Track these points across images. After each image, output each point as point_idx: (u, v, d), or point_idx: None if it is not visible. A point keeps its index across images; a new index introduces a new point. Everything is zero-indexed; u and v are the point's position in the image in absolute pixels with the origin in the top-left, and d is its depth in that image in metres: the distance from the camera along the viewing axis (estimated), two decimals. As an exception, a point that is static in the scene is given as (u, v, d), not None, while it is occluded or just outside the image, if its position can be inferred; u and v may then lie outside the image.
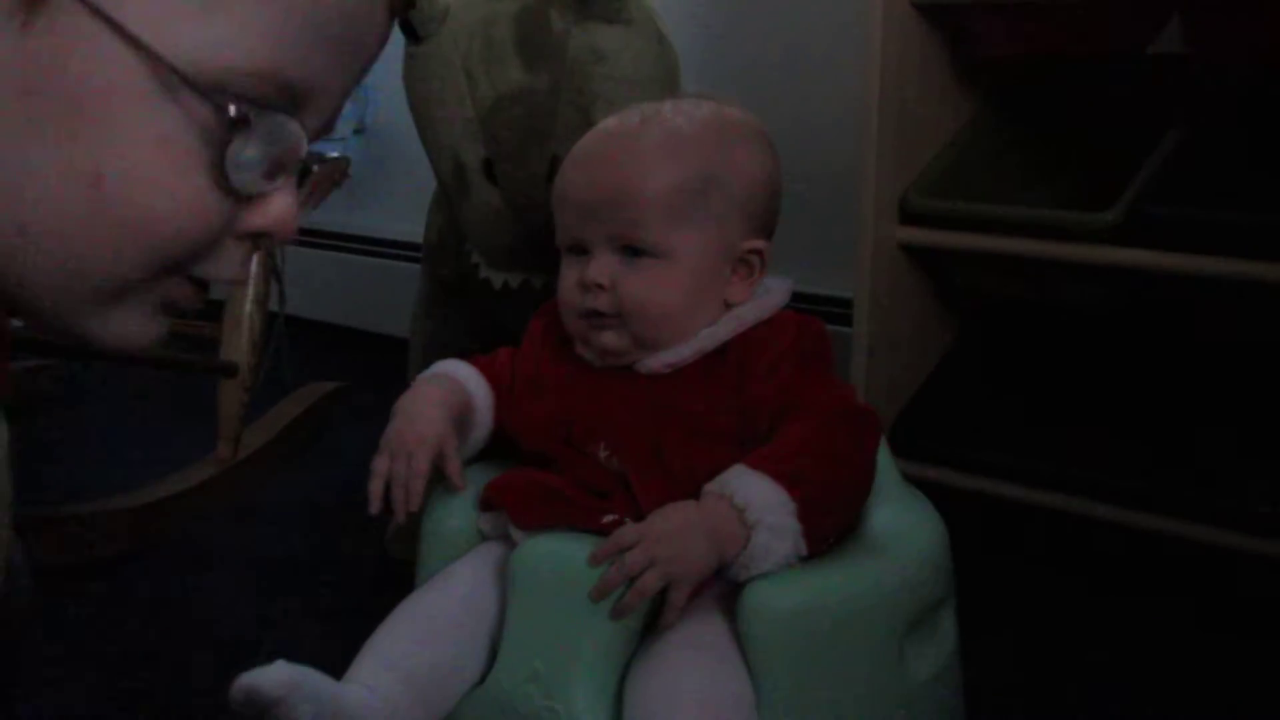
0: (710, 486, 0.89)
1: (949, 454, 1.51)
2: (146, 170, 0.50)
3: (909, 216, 1.55)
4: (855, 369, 1.56)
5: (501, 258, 1.32)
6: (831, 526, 0.93)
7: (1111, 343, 1.57)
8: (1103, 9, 1.50)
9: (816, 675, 0.88)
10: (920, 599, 0.96)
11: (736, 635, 0.88)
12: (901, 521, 0.98)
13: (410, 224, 2.08)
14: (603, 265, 0.99)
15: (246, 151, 0.51)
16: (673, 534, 0.87)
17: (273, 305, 1.81)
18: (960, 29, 1.59)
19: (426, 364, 1.52)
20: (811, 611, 0.89)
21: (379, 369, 2.11)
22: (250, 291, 1.75)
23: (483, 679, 0.92)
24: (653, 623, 0.89)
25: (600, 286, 0.98)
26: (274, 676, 0.83)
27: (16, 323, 1.51)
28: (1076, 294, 1.57)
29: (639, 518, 0.91)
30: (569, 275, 1.02)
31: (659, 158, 1.00)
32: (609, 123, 1.06)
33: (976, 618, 1.09)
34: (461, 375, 1.05)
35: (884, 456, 1.02)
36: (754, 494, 0.87)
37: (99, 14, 0.46)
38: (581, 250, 1.01)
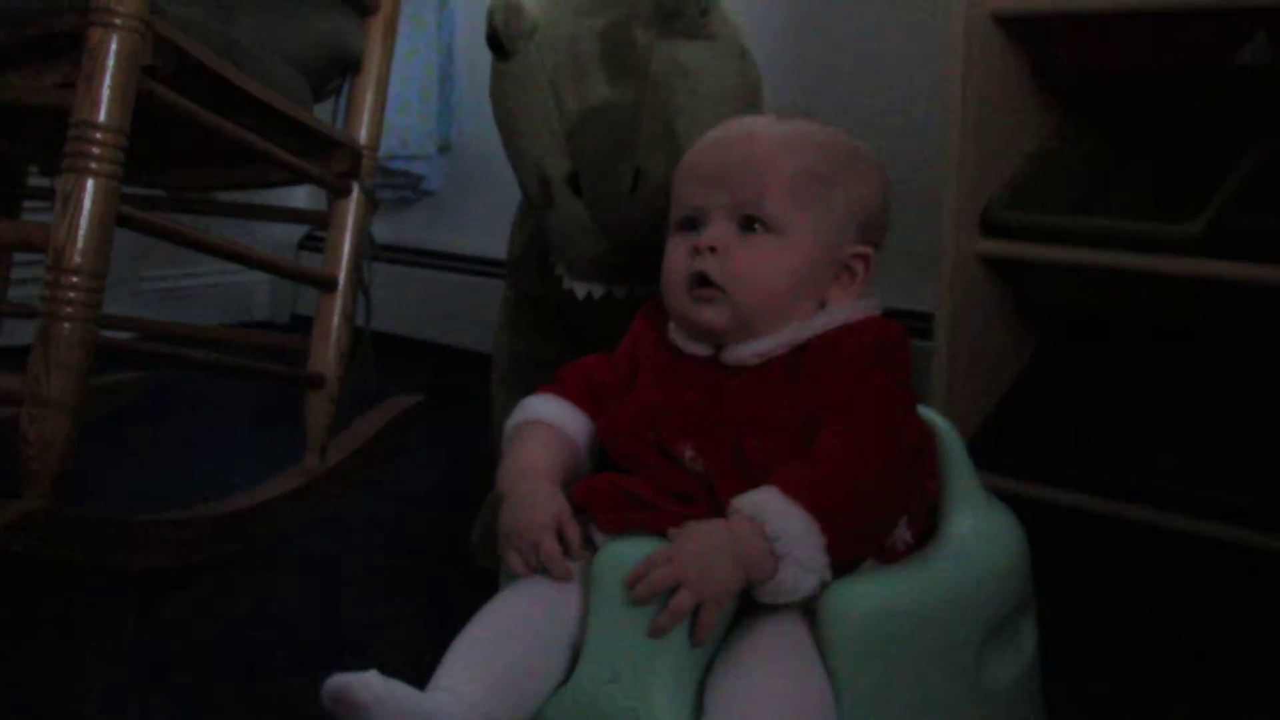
0: (741, 506, 0.89)
1: (1029, 466, 1.50)
2: None
3: (990, 229, 1.55)
4: (935, 381, 1.56)
5: (585, 269, 1.33)
6: (859, 551, 0.93)
7: (1193, 356, 1.56)
8: (1187, 22, 1.49)
9: (895, 679, 0.89)
10: (999, 606, 0.96)
11: (816, 638, 0.89)
12: (982, 528, 0.99)
13: (493, 239, 2.11)
14: (718, 231, 1.01)
15: None
16: (702, 556, 0.88)
17: (359, 320, 1.85)
18: (1041, 41, 1.59)
19: (510, 377, 1.55)
20: (891, 615, 0.89)
21: (461, 382, 2.15)
22: (338, 305, 1.79)
23: (564, 681, 0.94)
24: (734, 625, 0.90)
25: (712, 250, 1.00)
26: (367, 684, 0.85)
27: (110, 334, 1.55)
28: (1158, 307, 1.56)
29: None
30: (678, 246, 1.04)
31: (793, 144, 1.03)
32: (742, 118, 1.10)
33: (1056, 629, 1.09)
34: (557, 419, 1.05)
35: (965, 464, 1.03)
36: (785, 526, 0.87)
37: None
38: (693, 225, 1.03)
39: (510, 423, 1.07)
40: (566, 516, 0.97)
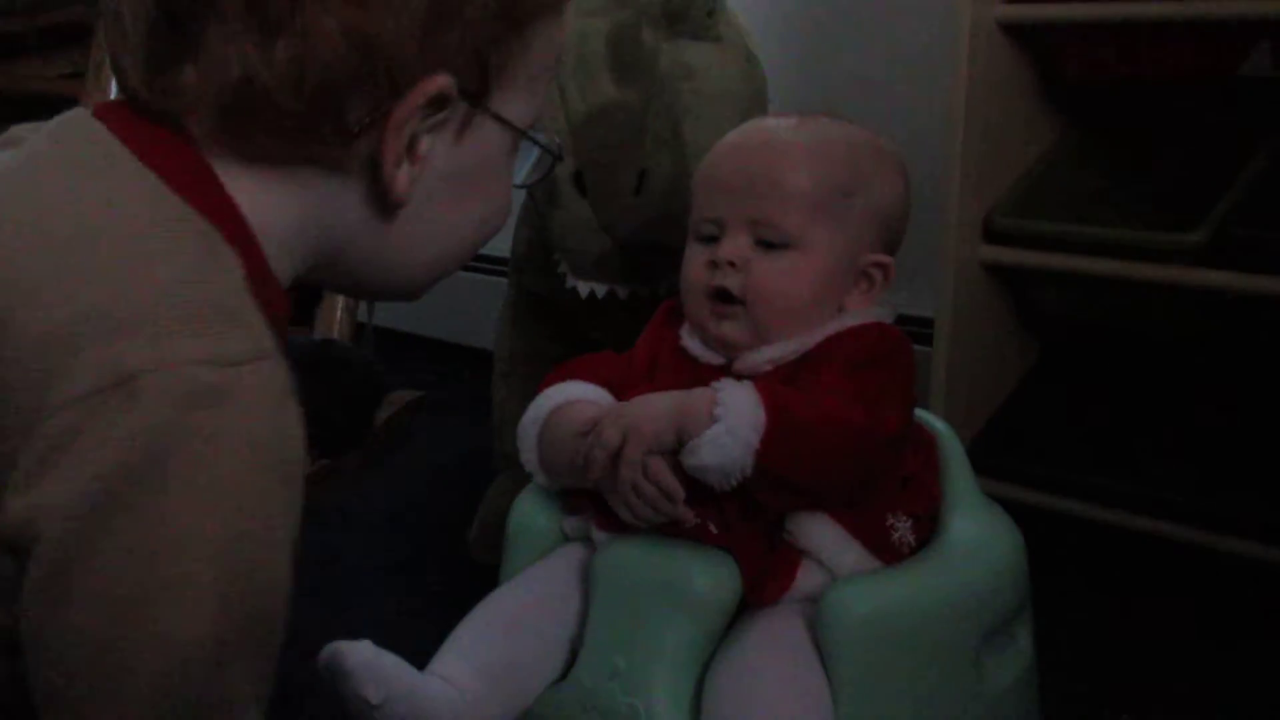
0: (716, 384, 0.92)
1: (1027, 472, 1.51)
2: (503, 198, 0.75)
3: (993, 236, 1.56)
4: (935, 387, 1.56)
5: (589, 267, 1.34)
6: (786, 482, 0.90)
7: (1194, 365, 1.57)
8: (1190, 32, 1.49)
9: (893, 680, 0.89)
10: (997, 609, 0.96)
11: (814, 640, 0.89)
12: (980, 532, 0.99)
13: (496, 237, 2.11)
14: (737, 246, 1.01)
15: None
16: (645, 402, 0.93)
17: (361, 315, 1.85)
18: (1046, 50, 1.60)
19: (512, 374, 1.55)
20: (888, 617, 0.90)
21: (462, 379, 2.15)
22: (340, 300, 1.79)
23: (562, 677, 0.94)
24: (733, 623, 0.91)
25: (732, 265, 1.00)
26: (357, 651, 0.86)
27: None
28: (1160, 315, 1.56)
29: (722, 521, 0.92)
30: (697, 257, 1.03)
31: (812, 153, 1.02)
32: (765, 119, 1.10)
33: (1051, 633, 1.10)
34: (592, 396, 1.03)
35: (964, 468, 1.03)
36: (735, 397, 0.89)
37: (500, 120, 0.69)
38: (712, 237, 1.03)
39: (539, 411, 1.03)
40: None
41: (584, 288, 1.36)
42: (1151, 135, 1.60)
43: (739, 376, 0.99)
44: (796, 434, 0.89)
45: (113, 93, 1.33)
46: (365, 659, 0.87)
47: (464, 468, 1.88)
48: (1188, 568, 1.51)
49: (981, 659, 0.94)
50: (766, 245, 1.00)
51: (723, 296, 1.00)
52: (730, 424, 0.88)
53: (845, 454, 0.91)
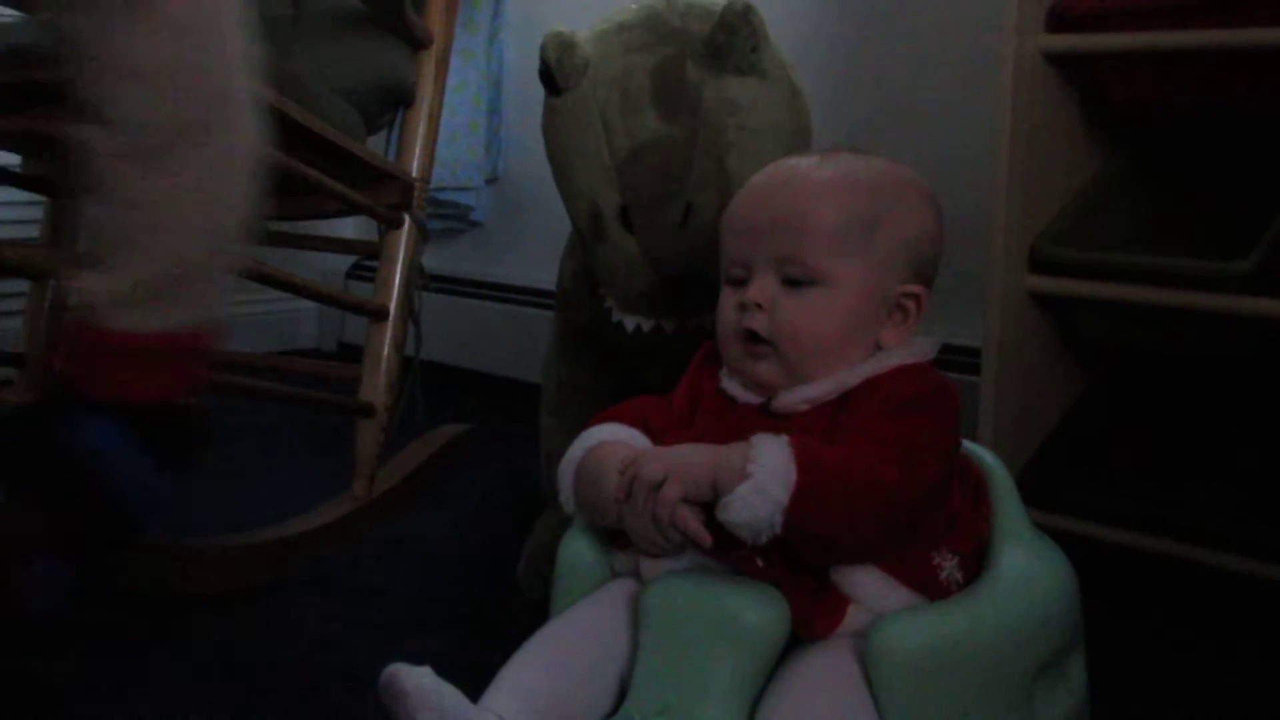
0: (752, 438, 0.92)
1: (1077, 502, 1.50)
2: None
3: (1039, 265, 1.55)
4: (983, 417, 1.56)
5: (635, 302, 1.34)
6: (816, 529, 0.90)
7: (1243, 393, 1.55)
8: (1239, 60, 1.49)
9: (943, 715, 0.89)
10: (1049, 643, 0.96)
11: (864, 674, 0.89)
12: (1032, 565, 0.99)
13: (541, 271, 2.12)
14: (764, 287, 1.01)
15: None
16: (687, 450, 0.94)
17: (409, 349, 1.87)
18: (1091, 78, 1.59)
19: (559, 407, 1.56)
20: (939, 651, 0.89)
21: (510, 412, 2.16)
22: (389, 335, 1.81)
23: (612, 714, 0.94)
24: (784, 657, 0.91)
25: (759, 306, 1.00)
26: (416, 675, 0.88)
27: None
28: (1207, 344, 1.55)
29: (768, 556, 0.92)
30: (728, 301, 1.04)
31: (834, 190, 1.03)
32: (786, 159, 1.09)
33: (1105, 667, 1.09)
34: (625, 438, 1.04)
35: (1013, 500, 1.03)
36: (768, 455, 0.89)
37: None
38: (742, 281, 1.04)
39: (576, 451, 1.04)
40: None
41: (630, 322, 1.36)
42: (1197, 163, 1.59)
43: (776, 415, 0.99)
44: (827, 492, 0.89)
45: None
46: (423, 684, 0.87)
47: (512, 502, 1.88)
48: (1245, 598, 1.49)
49: (1033, 694, 0.94)
50: (793, 284, 1.01)
51: (753, 338, 1.01)
52: (760, 481, 0.89)
53: (877, 512, 0.91)
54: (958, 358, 1.68)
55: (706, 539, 0.92)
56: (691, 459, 0.93)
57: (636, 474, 0.94)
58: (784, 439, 0.91)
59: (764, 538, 0.89)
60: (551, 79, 1.35)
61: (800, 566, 0.93)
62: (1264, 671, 1.36)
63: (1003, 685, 0.92)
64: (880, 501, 0.90)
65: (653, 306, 1.34)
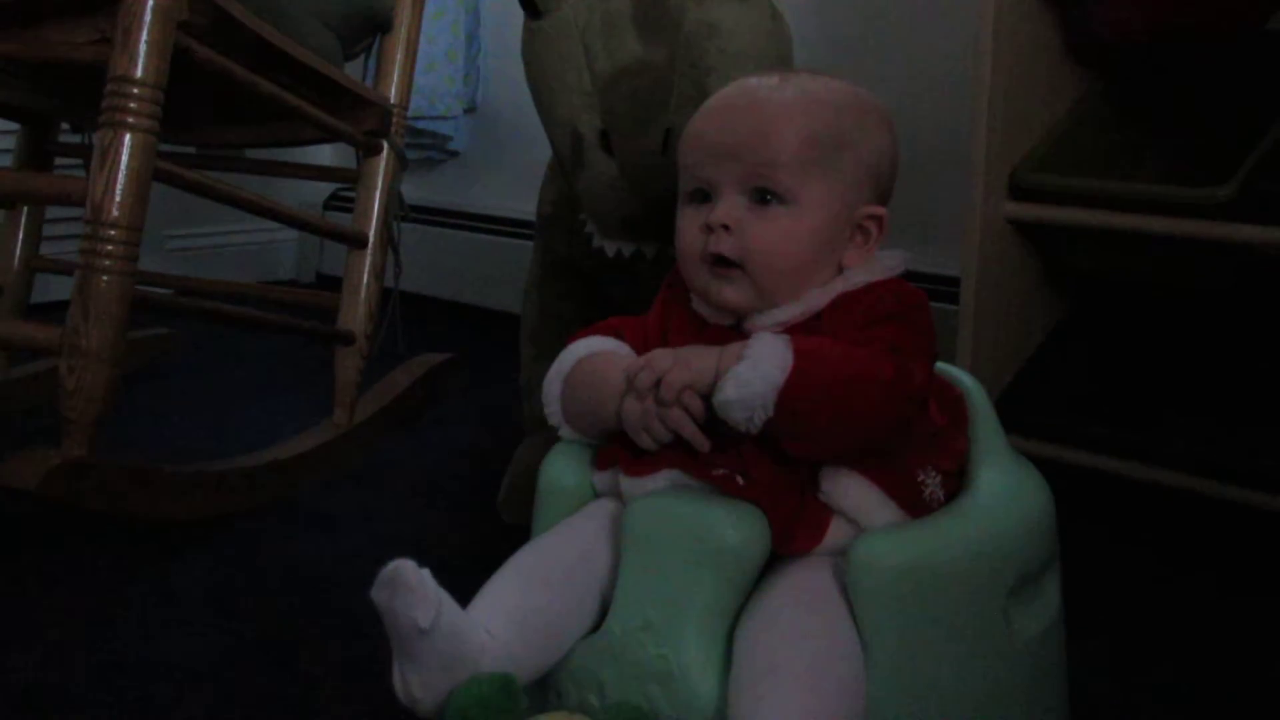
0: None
1: (1054, 428, 1.51)
2: None
3: (1019, 192, 1.56)
4: (961, 344, 1.56)
5: (615, 227, 1.34)
6: (808, 413, 0.90)
7: (1221, 320, 1.56)
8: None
9: (922, 631, 0.90)
10: (1025, 561, 0.97)
11: (845, 591, 0.90)
12: (1009, 485, 0.99)
13: (520, 200, 2.11)
14: (730, 207, 1.00)
15: None
16: (691, 348, 0.97)
17: (388, 279, 1.86)
18: (1073, 4, 1.59)
19: (539, 336, 1.56)
20: (918, 568, 0.90)
21: (488, 341, 2.16)
22: (368, 263, 1.80)
23: (595, 628, 0.95)
24: (764, 574, 0.92)
25: (726, 228, 0.99)
26: (421, 572, 0.85)
27: (146, 288, 1.57)
28: (1186, 274, 1.56)
29: (750, 475, 0.93)
30: (690, 221, 1.03)
31: (798, 109, 1.01)
32: (747, 80, 1.07)
33: (1077, 586, 1.10)
34: (613, 347, 1.04)
35: (992, 423, 1.03)
36: (765, 343, 0.91)
37: None
38: (704, 197, 1.02)
39: (564, 363, 1.04)
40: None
41: (611, 247, 1.36)
42: (1178, 90, 1.59)
43: (747, 336, 1.00)
44: (821, 377, 0.90)
45: (141, 60, 1.34)
46: (426, 581, 0.86)
47: (492, 430, 1.89)
48: (1215, 522, 1.51)
49: (1010, 610, 0.95)
50: (762, 202, 1.00)
51: (720, 260, 1.00)
52: (756, 358, 0.90)
53: (869, 403, 0.91)
54: (938, 285, 1.68)
55: (705, 444, 0.93)
56: (697, 352, 0.95)
57: (647, 363, 0.95)
58: (785, 335, 0.93)
59: (756, 418, 0.90)
60: (530, 2, 1.34)
61: (783, 481, 0.94)
62: (1233, 593, 1.38)
63: (981, 601, 0.94)
64: (873, 390, 0.91)
65: (633, 231, 1.34)
